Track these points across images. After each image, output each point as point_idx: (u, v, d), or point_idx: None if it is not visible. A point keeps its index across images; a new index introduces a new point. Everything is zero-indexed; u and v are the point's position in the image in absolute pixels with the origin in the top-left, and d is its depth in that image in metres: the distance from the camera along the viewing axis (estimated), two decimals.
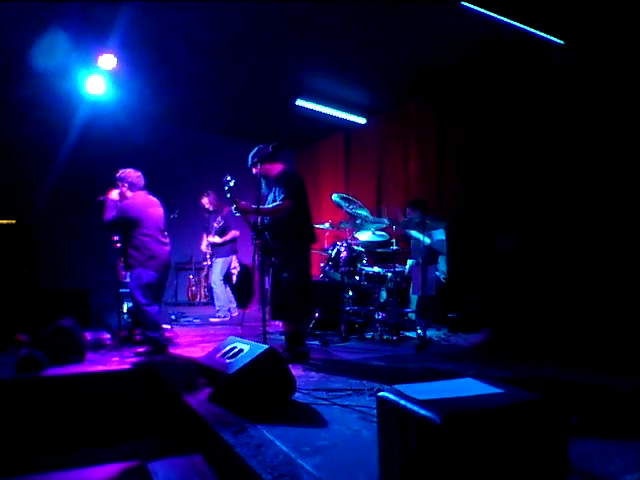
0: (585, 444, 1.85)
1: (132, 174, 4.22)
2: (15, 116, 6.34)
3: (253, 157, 3.86)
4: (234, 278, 6.94)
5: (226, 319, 6.34)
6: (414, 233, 5.20)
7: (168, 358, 3.90)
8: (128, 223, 4.06)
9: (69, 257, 6.79)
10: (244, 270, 7.49)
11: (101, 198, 4.16)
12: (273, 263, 3.80)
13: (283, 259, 3.77)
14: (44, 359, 3.36)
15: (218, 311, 6.46)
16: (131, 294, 4.03)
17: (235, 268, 6.83)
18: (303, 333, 3.89)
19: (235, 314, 6.49)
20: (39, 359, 3.33)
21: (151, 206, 4.22)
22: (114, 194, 4.15)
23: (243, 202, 3.69)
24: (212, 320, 6.33)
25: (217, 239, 6.44)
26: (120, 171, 4.23)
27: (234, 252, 6.62)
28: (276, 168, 3.88)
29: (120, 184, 4.20)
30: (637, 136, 4.09)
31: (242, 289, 7.44)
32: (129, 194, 4.18)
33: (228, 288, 6.61)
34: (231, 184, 3.63)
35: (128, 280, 4.31)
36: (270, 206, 3.78)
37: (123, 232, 4.16)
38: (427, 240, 5.10)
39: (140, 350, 3.98)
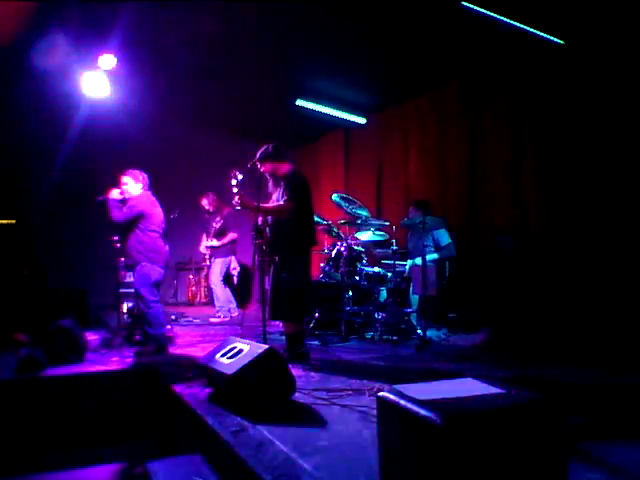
0: (586, 443, 1.85)
1: (138, 175, 4.26)
2: (15, 116, 6.34)
3: (260, 156, 3.87)
4: (234, 279, 6.95)
5: (226, 319, 6.34)
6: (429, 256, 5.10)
7: (168, 358, 3.90)
8: (137, 218, 4.07)
9: (69, 257, 6.79)
10: (243, 270, 7.50)
11: (101, 198, 4.15)
12: (274, 262, 3.80)
13: (284, 259, 3.77)
14: (44, 359, 3.36)
15: (218, 311, 6.46)
16: (138, 292, 4.01)
17: (235, 269, 6.84)
18: (303, 333, 3.89)
19: (235, 314, 6.49)
20: (39, 359, 3.33)
21: (157, 206, 4.28)
22: (115, 193, 4.15)
23: (248, 197, 3.69)
24: (212, 320, 6.33)
25: (215, 242, 6.45)
26: (127, 172, 4.25)
27: (233, 253, 6.63)
28: (284, 168, 3.88)
29: (126, 180, 4.22)
30: (637, 136, 4.09)
31: (242, 289, 7.45)
32: (139, 191, 4.20)
33: (228, 289, 6.61)
34: (239, 178, 3.65)
35: (129, 280, 4.31)
36: (272, 205, 3.79)
37: (128, 229, 4.14)
38: (435, 255, 5.13)
39: (141, 350, 3.97)
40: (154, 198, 4.31)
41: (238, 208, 3.70)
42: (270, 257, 3.80)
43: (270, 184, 3.97)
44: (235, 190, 3.65)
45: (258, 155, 3.85)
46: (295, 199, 3.71)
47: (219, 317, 6.41)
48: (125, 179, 4.23)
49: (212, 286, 6.54)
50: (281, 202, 3.72)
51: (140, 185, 4.24)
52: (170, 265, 7.93)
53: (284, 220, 3.75)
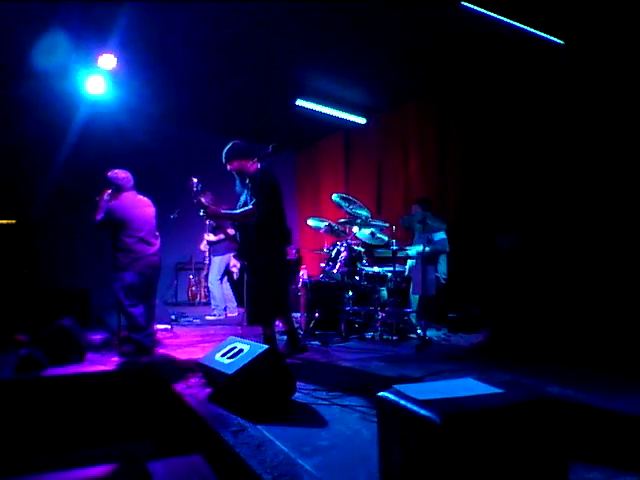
0: (585, 442, 1.85)
1: (120, 175, 4.16)
2: (15, 116, 6.34)
3: (226, 154, 3.73)
4: (235, 276, 6.99)
5: (221, 317, 6.39)
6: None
7: (168, 358, 3.90)
8: (114, 225, 4.02)
9: (69, 257, 6.79)
10: (243, 268, 7.54)
11: (97, 198, 4.15)
12: (244, 266, 3.77)
13: (252, 262, 3.72)
14: (44, 359, 3.36)
15: (214, 309, 6.51)
16: (115, 295, 4.00)
17: (235, 266, 6.88)
18: (295, 331, 3.94)
19: (235, 314, 6.52)
20: (39, 359, 3.33)
21: (139, 207, 4.16)
22: (107, 194, 4.14)
23: (212, 207, 3.64)
24: (208, 318, 6.38)
25: (212, 237, 6.50)
26: (109, 172, 4.18)
27: (231, 250, 6.66)
28: (252, 166, 3.73)
29: (110, 180, 4.19)
30: (636, 135, 4.09)
31: (241, 287, 7.48)
32: (118, 194, 4.14)
33: (229, 285, 6.64)
34: (199, 188, 3.58)
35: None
36: (239, 211, 3.69)
37: (111, 234, 4.11)
38: (427, 249, 5.12)
39: (125, 349, 3.96)
40: (138, 198, 4.22)
41: (203, 215, 3.59)
42: (242, 260, 3.76)
43: (238, 183, 3.86)
44: (195, 201, 3.54)
45: (224, 153, 3.73)
46: (264, 201, 3.58)
47: (214, 315, 6.45)
48: (108, 180, 4.16)
49: (209, 284, 6.59)
50: (249, 205, 3.59)
51: (116, 186, 4.14)
52: (170, 265, 7.97)
53: (253, 223, 3.63)
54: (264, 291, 3.67)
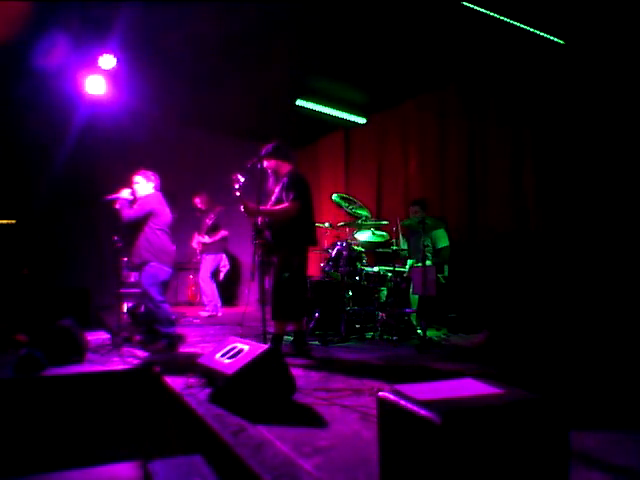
0: (587, 439, 1.85)
1: (154, 175, 4.34)
2: (15, 116, 6.34)
3: (266, 151, 3.91)
4: (221, 276, 7.04)
5: (215, 314, 6.44)
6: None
7: (168, 358, 3.90)
8: (147, 216, 4.11)
9: (69, 257, 6.79)
10: (233, 269, 7.63)
11: (111, 197, 4.16)
12: (273, 263, 3.82)
13: (285, 259, 3.78)
14: (44, 359, 3.36)
15: (207, 305, 6.56)
16: (146, 292, 4.01)
17: (225, 266, 6.95)
18: (304, 331, 3.94)
19: (219, 314, 6.56)
20: (39, 359, 3.33)
21: (166, 206, 4.32)
22: (125, 193, 4.16)
23: (252, 204, 3.70)
24: (202, 314, 6.46)
25: (206, 239, 6.57)
26: (142, 172, 4.30)
27: (223, 251, 6.75)
28: (286, 166, 3.97)
29: (138, 179, 4.27)
30: (637, 136, 4.09)
31: (229, 287, 7.59)
32: (150, 191, 4.26)
33: (214, 285, 6.69)
34: (241, 181, 3.66)
35: (134, 279, 4.31)
36: (279, 207, 3.81)
37: (136, 228, 4.14)
38: (428, 262, 5.11)
39: (154, 347, 3.99)
40: (163, 199, 4.35)
41: (242, 210, 3.73)
42: (269, 257, 3.83)
43: (271, 181, 4.02)
44: (238, 194, 3.67)
45: (264, 150, 3.91)
46: (301, 198, 3.77)
47: (208, 311, 6.50)
48: (137, 179, 4.28)
49: (200, 282, 6.65)
50: (286, 202, 3.76)
51: (151, 185, 4.30)
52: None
53: (286, 221, 3.76)
54: (296, 288, 3.79)
